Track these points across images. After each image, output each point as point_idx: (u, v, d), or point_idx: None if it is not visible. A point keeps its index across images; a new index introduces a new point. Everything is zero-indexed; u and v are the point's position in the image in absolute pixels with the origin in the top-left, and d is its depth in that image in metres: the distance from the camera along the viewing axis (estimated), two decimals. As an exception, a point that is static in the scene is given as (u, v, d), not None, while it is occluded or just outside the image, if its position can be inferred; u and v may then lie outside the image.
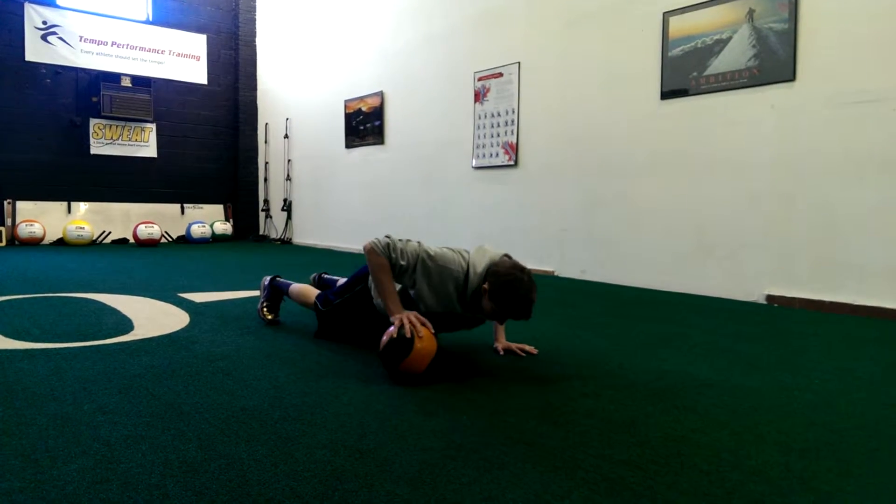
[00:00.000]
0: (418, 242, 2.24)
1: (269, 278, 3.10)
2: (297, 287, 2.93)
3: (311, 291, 2.84)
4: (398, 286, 2.28)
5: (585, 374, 2.20)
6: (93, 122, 8.33)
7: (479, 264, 2.16)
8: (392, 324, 2.09)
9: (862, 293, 3.53)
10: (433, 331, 2.07)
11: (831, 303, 3.63)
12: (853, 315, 3.50)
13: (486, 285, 2.11)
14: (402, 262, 2.17)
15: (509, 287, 2.06)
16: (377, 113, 7.23)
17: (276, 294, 3.06)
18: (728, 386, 2.08)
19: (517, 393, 1.96)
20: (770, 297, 3.90)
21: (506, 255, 2.24)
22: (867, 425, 1.72)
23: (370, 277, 2.37)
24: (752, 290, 4.00)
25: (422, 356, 2.01)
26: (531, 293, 2.09)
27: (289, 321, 3.07)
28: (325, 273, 3.29)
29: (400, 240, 2.23)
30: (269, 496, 1.25)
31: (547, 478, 1.35)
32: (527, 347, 2.47)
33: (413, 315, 2.08)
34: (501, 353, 2.46)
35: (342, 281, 2.73)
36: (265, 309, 3.05)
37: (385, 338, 2.08)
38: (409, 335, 2.00)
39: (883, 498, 1.29)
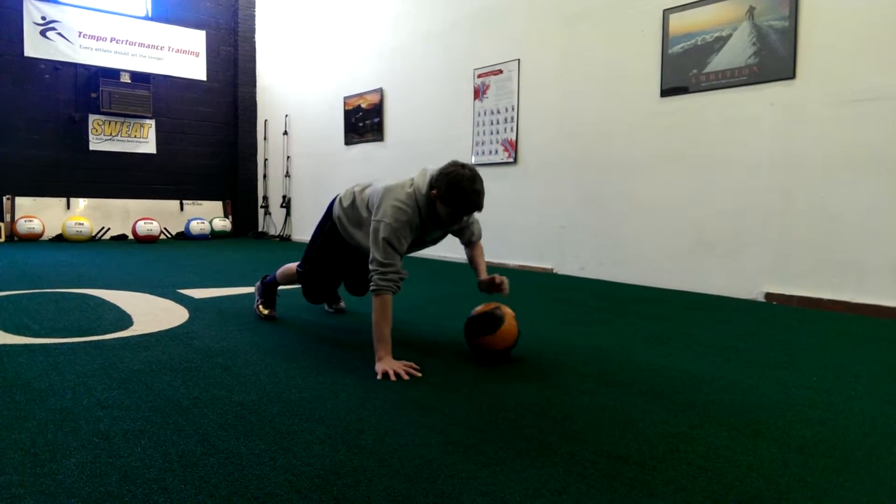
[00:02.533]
0: (380, 232, 2.23)
1: (259, 281, 3.16)
2: (281, 270, 3.01)
3: (291, 266, 2.95)
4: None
5: (583, 371, 2.20)
6: (92, 117, 8.31)
7: (423, 184, 2.26)
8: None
9: (860, 291, 3.53)
10: (419, 375, 2.10)
11: (830, 301, 3.64)
12: (851, 313, 3.51)
13: (433, 192, 2.20)
14: (400, 264, 2.24)
15: (453, 183, 2.14)
16: (376, 110, 7.22)
17: (269, 291, 3.09)
18: (726, 383, 2.08)
19: (515, 389, 1.96)
20: (769, 295, 3.91)
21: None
22: (864, 422, 1.73)
23: (345, 240, 2.61)
24: (751, 287, 4.00)
25: (504, 337, 2.26)
26: (475, 182, 2.17)
27: (287, 317, 3.08)
28: None
29: (376, 260, 2.22)
30: (267, 490, 1.25)
31: (545, 473, 1.36)
32: (500, 278, 2.43)
33: (401, 366, 2.10)
34: (482, 286, 2.48)
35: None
36: (260, 306, 3.07)
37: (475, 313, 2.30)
38: (393, 378, 2.04)
39: (880, 494, 1.30)
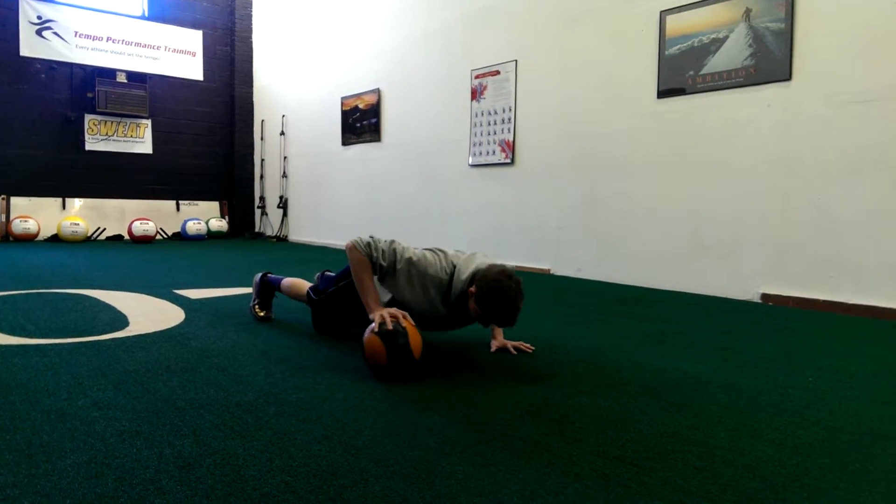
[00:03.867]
0: (402, 247, 2.23)
1: (259, 275, 3.10)
2: (289, 281, 2.93)
3: (303, 284, 2.85)
4: (389, 295, 2.28)
5: (581, 372, 2.20)
6: (88, 117, 8.29)
7: (466, 270, 2.17)
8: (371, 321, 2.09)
9: (856, 292, 3.54)
10: (413, 322, 2.08)
11: (826, 302, 3.65)
12: (847, 314, 3.52)
13: (472, 288, 2.10)
14: (383, 263, 2.20)
15: (496, 292, 2.04)
16: (374, 110, 7.22)
17: (267, 291, 3.05)
18: (722, 383, 2.09)
19: (513, 390, 1.96)
20: (765, 296, 3.92)
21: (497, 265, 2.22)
22: (861, 423, 1.73)
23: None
24: (748, 288, 4.01)
25: (413, 347, 2.02)
26: (517, 300, 2.06)
27: (284, 318, 3.07)
28: (328, 270, 3.28)
29: (383, 240, 2.25)
30: (264, 491, 1.25)
31: (542, 474, 1.36)
32: (522, 345, 2.46)
33: (392, 310, 2.09)
34: (493, 350, 2.45)
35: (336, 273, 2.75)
36: (256, 307, 3.04)
37: (367, 336, 2.04)
38: (390, 328, 2.00)
39: (875, 494, 1.30)
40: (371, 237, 2.26)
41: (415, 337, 2.04)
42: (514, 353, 2.42)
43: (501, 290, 2.04)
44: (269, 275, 3.07)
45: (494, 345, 2.48)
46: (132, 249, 6.95)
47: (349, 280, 2.51)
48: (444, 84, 6.26)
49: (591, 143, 4.96)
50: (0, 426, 1.56)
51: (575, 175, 5.09)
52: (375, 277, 2.25)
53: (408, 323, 2.06)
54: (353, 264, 2.23)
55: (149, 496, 1.22)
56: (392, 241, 2.26)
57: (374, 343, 2.01)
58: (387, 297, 2.30)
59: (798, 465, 1.43)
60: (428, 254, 2.24)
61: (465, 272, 2.16)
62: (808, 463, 1.45)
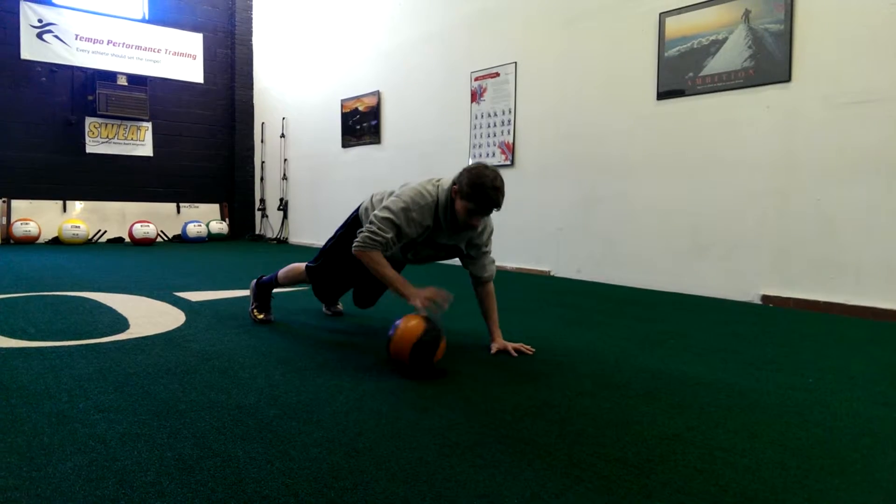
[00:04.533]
0: (392, 207, 2.31)
1: (254, 281, 3.09)
2: (283, 270, 2.96)
3: (298, 266, 2.91)
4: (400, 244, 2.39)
5: (581, 373, 2.20)
6: (88, 120, 8.30)
7: (447, 181, 2.33)
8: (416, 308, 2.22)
9: (856, 293, 3.54)
10: (450, 295, 2.21)
11: (826, 303, 3.65)
12: (847, 315, 3.52)
13: (455, 187, 2.26)
14: (389, 235, 2.29)
15: (474, 177, 2.20)
16: (374, 112, 7.23)
17: (263, 293, 3.04)
18: (723, 385, 2.09)
19: (513, 391, 1.96)
20: (765, 297, 3.92)
21: None
22: (861, 424, 1.73)
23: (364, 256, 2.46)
24: (748, 289, 4.01)
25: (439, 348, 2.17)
26: (496, 181, 2.21)
27: (284, 320, 3.07)
28: None
29: (371, 222, 2.32)
30: (264, 494, 1.25)
31: (542, 476, 1.36)
32: (522, 347, 2.47)
33: (430, 292, 2.21)
34: (493, 352, 2.46)
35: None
36: (255, 310, 3.04)
37: (401, 333, 2.12)
38: (435, 311, 2.14)
39: (876, 496, 1.30)
40: (365, 229, 2.32)
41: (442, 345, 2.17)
42: (515, 354, 2.42)
43: (479, 175, 2.20)
44: (263, 277, 3.06)
45: (494, 347, 2.48)
46: (133, 252, 6.95)
47: (345, 229, 2.70)
48: (444, 86, 6.27)
49: (590, 145, 4.96)
50: (1, 429, 1.57)
51: (575, 176, 5.09)
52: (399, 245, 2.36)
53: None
54: (368, 265, 2.31)
55: (149, 499, 1.22)
56: (382, 211, 2.32)
57: (403, 346, 2.10)
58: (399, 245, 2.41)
59: (798, 467, 1.43)
60: (412, 191, 2.35)
61: (447, 183, 2.33)
62: (808, 464, 1.45)
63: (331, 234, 2.86)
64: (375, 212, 2.35)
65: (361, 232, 2.32)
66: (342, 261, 2.68)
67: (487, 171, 2.22)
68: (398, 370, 2.16)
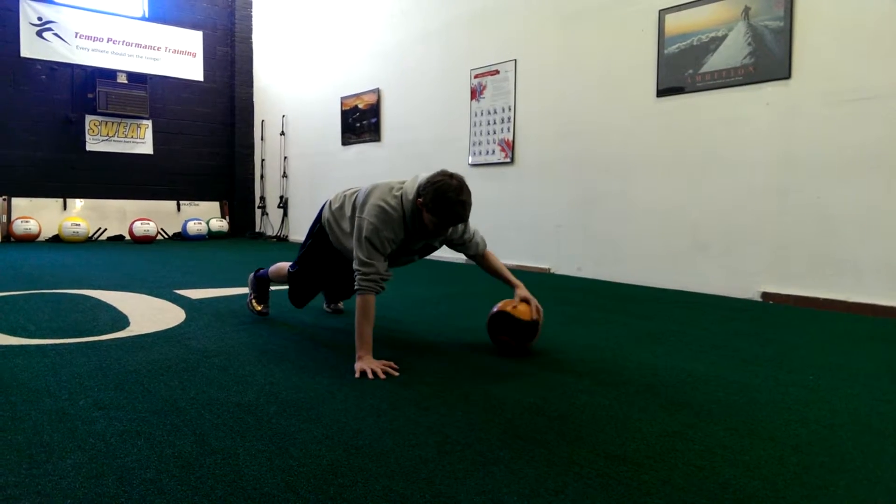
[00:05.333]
0: (363, 231, 2.24)
1: (252, 273, 3.14)
2: (273, 268, 3.00)
3: (284, 265, 2.93)
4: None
5: (580, 370, 2.20)
6: (88, 118, 8.30)
7: (411, 190, 2.24)
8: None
9: (856, 290, 3.54)
10: (397, 373, 2.11)
11: (825, 300, 3.65)
12: (847, 312, 3.52)
13: (419, 199, 2.18)
14: (380, 265, 2.23)
15: (438, 192, 2.12)
16: (373, 110, 7.22)
17: (261, 285, 3.09)
18: (722, 382, 2.09)
19: (512, 389, 1.96)
20: (765, 295, 3.91)
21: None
22: (860, 421, 1.73)
23: (331, 239, 2.58)
24: (747, 287, 4.01)
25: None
26: (461, 193, 2.14)
27: (283, 317, 3.08)
28: None
29: (359, 259, 2.25)
30: (264, 491, 1.25)
31: (542, 473, 1.36)
32: (538, 307, 2.43)
33: (379, 365, 2.11)
34: (520, 299, 2.42)
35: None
36: (253, 301, 3.08)
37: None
38: (370, 376, 2.06)
39: (875, 492, 1.30)
40: (360, 271, 2.23)
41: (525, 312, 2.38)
42: (536, 314, 2.39)
43: (443, 189, 2.12)
44: (261, 270, 3.10)
45: (518, 294, 2.45)
46: (133, 250, 6.95)
47: (313, 240, 2.68)
48: (444, 84, 6.27)
49: (590, 142, 4.95)
50: (1, 426, 1.57)
51: (574, 174, 5.09)
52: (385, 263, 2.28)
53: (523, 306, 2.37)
54: (359, 309, 2.21)
55: (149, 496, 1.22)
56: (358, 241, 2.27)
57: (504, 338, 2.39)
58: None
59: (798, 464, 1.43)
60: (376, 209, 2.24)
61: (411, 192, 2.23)
62: (808, 461, 1.45)
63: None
64: (356, 250, 2.27)
65: (356, 274, 2.25)
66: (314, 271, 2.76)
67: (452, 182, 2.13)
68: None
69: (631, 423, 1.68)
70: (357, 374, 2.07)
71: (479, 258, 2.56)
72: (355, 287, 2.24)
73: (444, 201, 2.12)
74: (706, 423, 1.69)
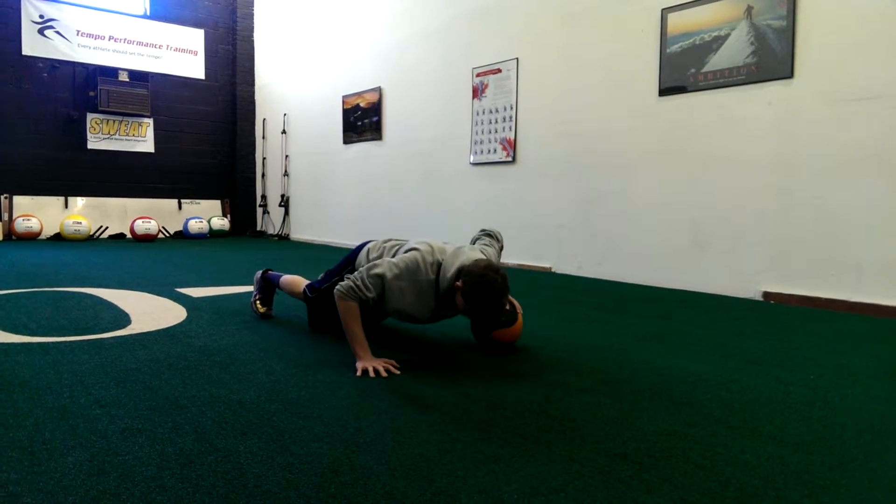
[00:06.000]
0: (384, 266, 2.20)
1: (260, 272, 3.11)
2: (287, 278, 2.94)
3: (301, 281, 2.85)
4: (389, 308, 2.26)
5: (581, 369, 2.20)
6: (90, 116, 8.30)
7: (452, 266, 2.18)
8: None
9: (858, 290, 3.54)
10: (398, 371, 2.10)
11: (827, 299, 3.64)
12: (849, 312, 3.51)
13: (459, 283, 2.12)
14: (372, 295, 2.17)
15: (481, 287, 2.07)
16: (375, 109, 7.22)
17: (268, 287, 3.07)
18: (723, 381, 2.09)
19: (513, 387, 1.96)
20: (766, 294, 3.91)
21: (483, 257, 2.24)
22: (861, 420, 1.73)
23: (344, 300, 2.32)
24: (749, 286, 4.01)
25: (514, 332, 2.41)
26: (502, 296, 2.10)
27: (285, 315, 3.08)
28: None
29: (364, 270, 2.21)
30: (265, 488, 1.25)
31: (542, 471, 1.36)
32: (515, 304, 2.43)
33: (380, 364, 2.10)
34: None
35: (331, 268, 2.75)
36: (258, 302, 3.06)
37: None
38: (372, 375, 2.06)
39: (877, 492, 1.30)
40: (351, 278, 2.21)
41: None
42: (508, 305, 2.38)
43: (487, 285, 2.07)
44: (270, 272, 3.08)
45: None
46: (134, 248, 6.96)
47: (339, 279, 2.49)
48: (446, 82, 6.26)
49: (592, 142, 4.95)
50: (3, 423, 1.57)
51: (576, 173, 5.08)
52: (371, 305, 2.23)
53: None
54: (340, 312, 2.19)
55: (151, 493, 1.22)
56: (372, 266, 2.22)
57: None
58: (388, 307, 2.26)
59: (799, 463, 1.43)
60: (410, 260, 2.21)
61: (451, 268, 2.17)
62: (809, 460, 1.45)
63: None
64: (368, 265, 2.24)
65: (348, 277, 2.22)
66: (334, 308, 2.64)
67: (497, 281, 2.07)
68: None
69: (632, 421, 1.68)
70: (359, 373, 2.07)
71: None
72: (336, 288, 2.19)
73: (483, 301, 2.08)
74: (707, 421, 1.69)
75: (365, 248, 2.56)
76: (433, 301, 2.22)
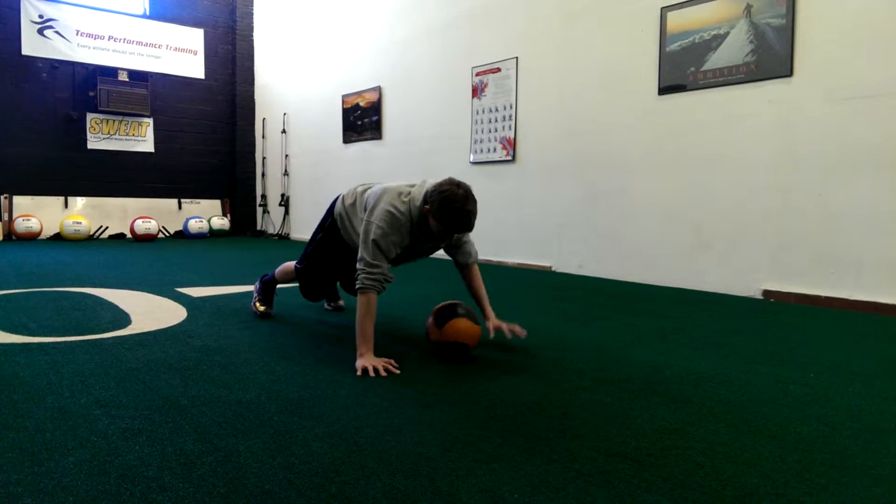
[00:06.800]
0: (371, 233, 2.26)
1: (258, 280, 3.18)
2: (279, 269, 3.04)
3: (290, 264, 2.97)
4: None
5: (582, 368, 2.20)
6: (90, 116, 8.30)
7: (418, 197, 2.29)
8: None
9: (857, 288, 3.54)
10: (397, 371, 2.12)
11: (827, 298, 3.64)
12: (848, 310, 3.51)
13: (427, 206, 2.22)
14: (384, 266, 2.25)
15: (445, 201, 2.16)
16: (375, 108, 7.22)
17: (267, 289, 3.11)
18: (723, 380, 2.09)
19: (513, 386, 1.96)
20: (766, 292, 3.91)
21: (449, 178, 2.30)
22: (861, 418, 1.73)
23: (342, 234, 2.63)
24: (749, 285, 4.01)
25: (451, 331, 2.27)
26: (468, 203, 2.18)
27: (286, 315, 3.08)
28: None
29: (363, 260, 2.25)
30: (266, 488, 1.25)
31: (543, 470, 1.36)
32: (516, 328, 2.46)
33: (381, 363, 2.12)
34: (492, 334, 2.46)
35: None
36: (257, 303, 3.09)
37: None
38: (371, 374, 2.07)
39: (876, 490, 1.30)
40: (361, 272, 2.24)
41: (469, 333, 2.28)
42: (510, 335, 2.43)
43: (450, 198, 2.16)
44: (266, 276, 3.15)
45: (490, 325, 2.48)
46: (134, 248, 6.96)
47: (324, 233, 2.73)
48: (445, 81, 6.26)
49: (592, 140, 4.95)
50: (3, 424, 1.57)
51: (576, 172, 5.08)
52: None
53: (464, 322, 2.27)
54: (360, 306, 2.22)
55: (151, 494, 1.22)
56: (365, 246, 2.27)
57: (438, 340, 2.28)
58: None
59: (799, 461, 1.43)
60: (385, 214, 2.28)
61: (418, 199, 2.28)
62: (808, 458, 1.45)
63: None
64: (363, 246, 2.29)
65: (359, 273, 2.25)
66: (324, 264, 2.81)
67: (459, 191, 2.17)
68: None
69: (632, 420, 1.68)
70: (359, 372, 2.08)
71: (466, 269, 2.57)
72: (357, 286, 2.25)
73: (450, 210, 2.16)
74: (707, 420, 1.69)
75: (339, 198, 2.70)
76: (409, 237, 2.32)
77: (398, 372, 2.10)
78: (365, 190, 2.57)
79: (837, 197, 3.61)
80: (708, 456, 1.45)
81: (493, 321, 2.50)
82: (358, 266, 2.27)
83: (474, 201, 2.21)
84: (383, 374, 2.07)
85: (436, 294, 3.90)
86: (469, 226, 2.21)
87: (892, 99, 3.39)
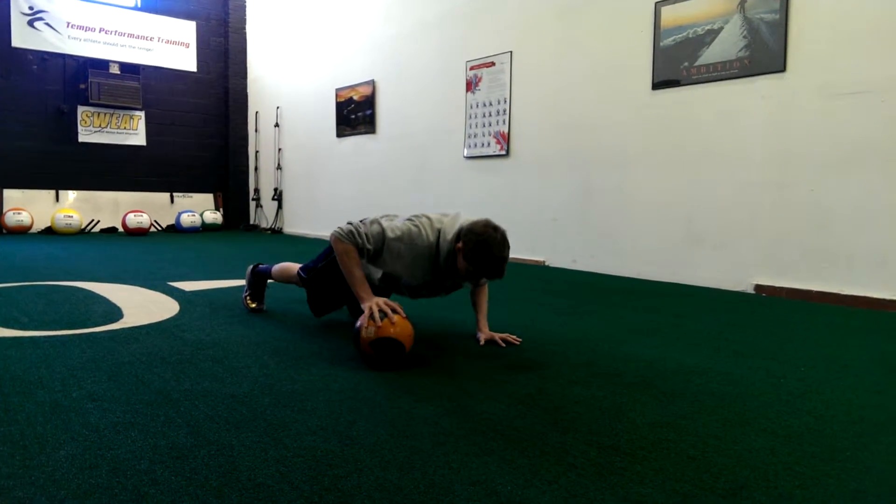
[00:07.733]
0: (381, 222, 2.26)
1: (250, 267, 3.09)
2: (278, 266, 2.94)
3: (293, 266, 2.85)
4: (380, 272, 2.30)
5: (574, 362, 2.21)
6: (81, 109, 8.24)
7: (451, 230, 2.22)
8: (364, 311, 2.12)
9: (849, 283, 3.56)
10: (404, 315, 2.11)
11: (819, 292, 3.66)
12: (840, 305, 3.54)
13: (459, 244, 2.16)
14: (370, 247, 2.22)
15: (481, 244, 2.11)
16: (368, 102, 7.20)
17: (258, 282, 3.04)
18: (715, 373, 2.10)
19: (506, 380, 1.97)
20: (758, 287, 3.93)
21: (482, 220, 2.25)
22: (852, 412, 1.75)
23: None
24: (741, 279, 4.03)
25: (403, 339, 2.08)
26: (504, 250, 2.13)
27: (278, 309, 3.07)
28: None
29: (363, 222, 2.28)
30: (258, 481, 1.25)
31: (535, 463, 1.36)
32: (509, 337, 2.46)
33: (383, 301, 2.12)
34: (482, 343, 2.44)
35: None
36: (248, 298, 3.04)
37: (358, 323, 2.11)
38: (379, 322, 2.04)
39: (866, 482, 1.31)
40: (352, 224, 2.27)
41: (405, 330, 2.08)
42: (503, 344, 2.42)
43: (487, 242, 2.10)
44: (260, 265, 3.06)
45: (482, 337, 2.46)
46: (126, 242, 6.92)
47: (333, 259, 2.54)
48: (439, 75, 6.24)
49: (585, 135, 4.95)
50: (-6, 418, 1.56)
51: (570, 167, 5.09)
52: (364, 260, 2.27)
53: (398, 317, 2.09)
54: (339, 255, 2.23)
55: (143, 487, 1.22)
56: (374, 222, 2.28)
57: (365, 347, 2.07)
58: (378, 273, 2.32)
59: (790, 454, 1.44)
60: (412, 225, 2.26)
61: (450, 232, 2.22)
62: (799, 451, 1.46)
63: (325, 224, 2.85)
64: (370, 220, 2.28)
65: (349, 224, 2.25)
66: (333, 285, 2.57)
67: (496, 237, 2.11)
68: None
69: (624, 413, 1.69)
70: (366, 314, 2.06)
71: (478, 285, 2.54)
72: (333, 232, 2.23)
73: (485, 255, 2.10)
74: (699, 413, 1.70)
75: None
76: (429, 267, 2.25)
77: (404, 315, 2.10)
78: (391, 219, 2.41)
79: (830, 192, 3.63)
80: (699, 449, 1.46)
81: (485, 333, 2.47)
82: (342, 225, 2.25)
83: (509, 247, 2.15)
84: (389, 313, 2.06)
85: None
86: (501, 273, 2.14)
87: (885, 94, 3.40)
